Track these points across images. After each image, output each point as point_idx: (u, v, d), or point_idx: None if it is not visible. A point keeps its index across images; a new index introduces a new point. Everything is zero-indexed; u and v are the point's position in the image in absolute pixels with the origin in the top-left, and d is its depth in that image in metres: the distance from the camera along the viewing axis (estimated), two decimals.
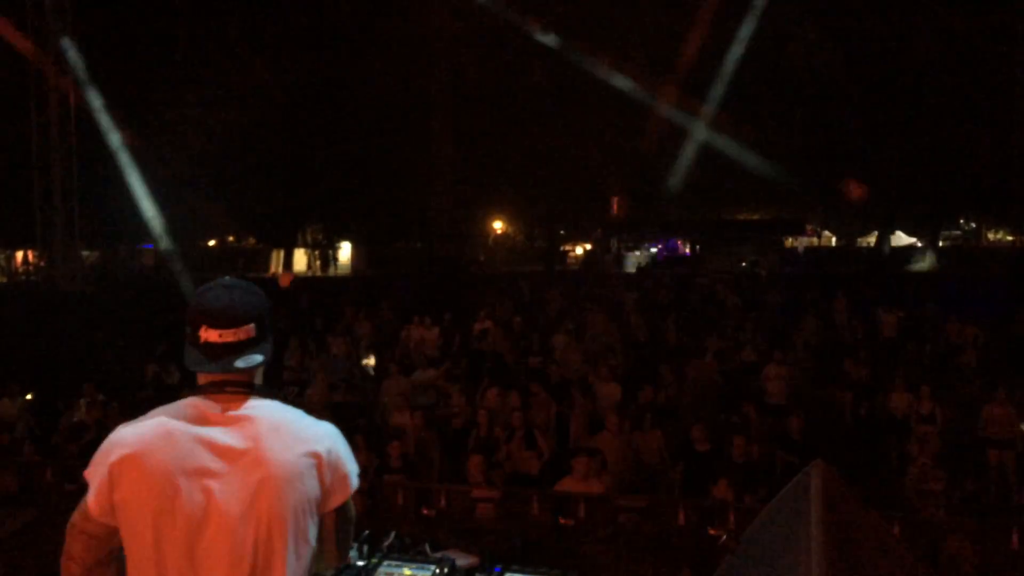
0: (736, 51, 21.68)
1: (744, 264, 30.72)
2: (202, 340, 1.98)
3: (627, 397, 10.26)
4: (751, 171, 24.23)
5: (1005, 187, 24.80)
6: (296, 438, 1.97)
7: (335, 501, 2.03)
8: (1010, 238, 39.32)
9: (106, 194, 20.12)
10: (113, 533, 1.93)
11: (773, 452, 9.05)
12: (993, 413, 9.63)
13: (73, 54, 17.59)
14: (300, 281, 30.03)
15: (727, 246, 34.11)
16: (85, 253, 24.74)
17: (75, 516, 1.97)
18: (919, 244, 37.22)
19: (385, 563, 3.25)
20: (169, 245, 21.08)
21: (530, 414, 9.13)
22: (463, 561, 3.26)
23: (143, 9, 20.85)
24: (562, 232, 37.71)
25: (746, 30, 21.08)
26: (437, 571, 3.17)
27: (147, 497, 1.87)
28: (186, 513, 1.87)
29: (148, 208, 20.27)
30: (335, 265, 37.06)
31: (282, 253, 34.66)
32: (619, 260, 37.46)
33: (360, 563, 3.25)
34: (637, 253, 38.82)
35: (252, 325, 2.01)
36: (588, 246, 41.24)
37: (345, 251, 37.65)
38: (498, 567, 3.24)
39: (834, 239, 44.26)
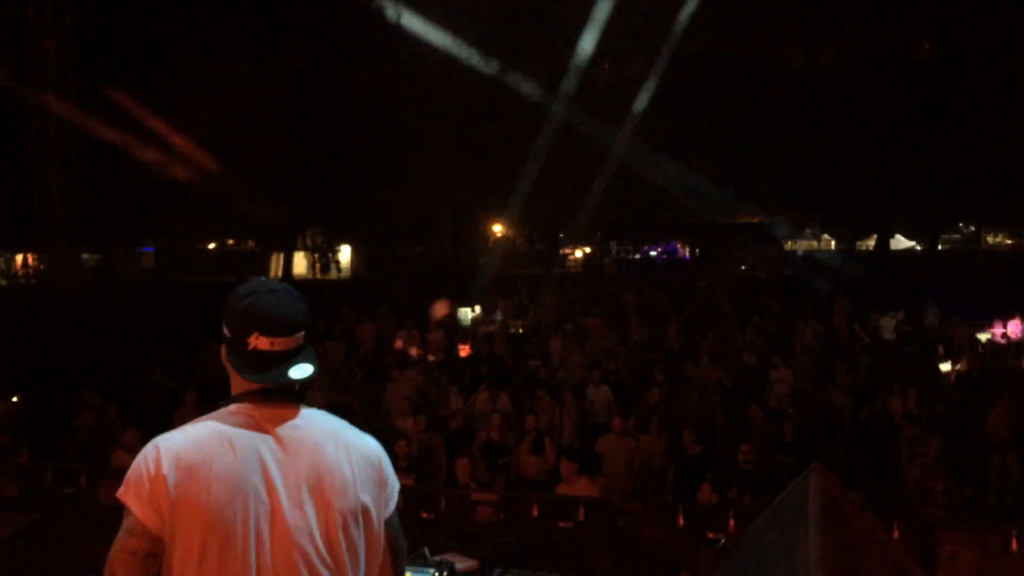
0: (730, 52, 21.72)
1: (744, 267, 30.76)
2: (251, 347, 1.93)
3: (624, 400, 10.29)
4: (750, 176, 24.29)
5: (1004, 190, 24.82)
6: (352, 448, 1.97)
7: (389, 509, 2.03)
8: (1009, 241, 39.34)
9: (106, 196, 20.13)
10: (162, 546, 1.82)
11: (775, 456, 9.07)
12: (997, 416, 9.64)
13: (73, 56, 17.60)
14: (299, 283, 30.02)
15: (727, 249, 34.15)
16: (84, 256, 24.74)
17: (130, 541, 1.81)
18: (918, 247, 37.27)
19: None
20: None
21: (533, 418, 9.15)
22: (462, 564, 3.26)
23: (143, 11, 20.86)
24: (562, 235, 37.74)
25: (744, 30, 21.10)
26: (436, 574, 3.17)
27: (211, 507, 1.80)
28: (251, 522, 1.82)
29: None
30: (338, 268, 37.06)
31: (282, 256, 34.65)
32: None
33: None
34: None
35: (303, 333, 1.99)
36: (588, 249, 41.25)
37: (345, 254, 37.65)
38: (497, 570, 3.24)
39: (833, 242, 44.32)
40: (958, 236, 41.18)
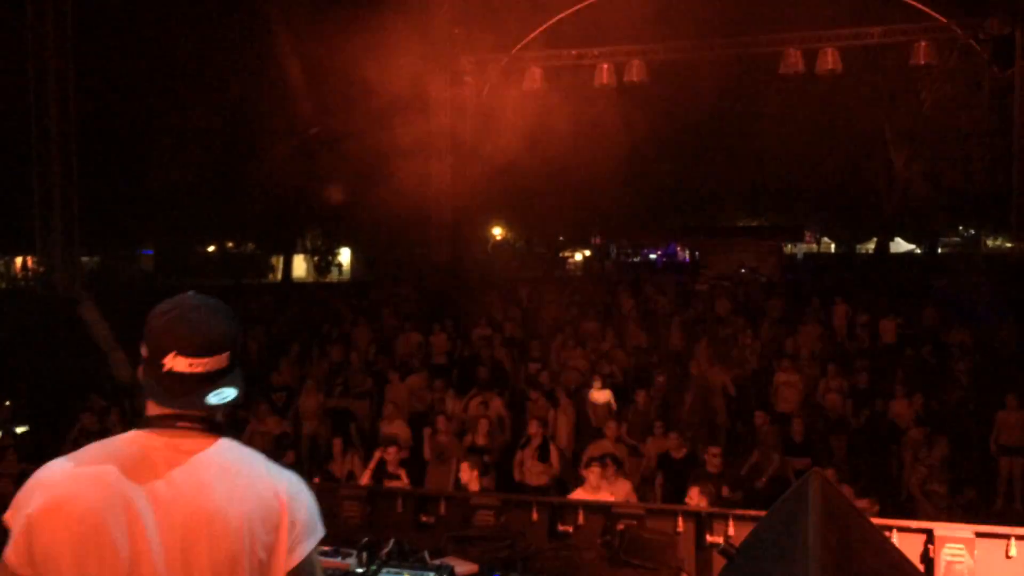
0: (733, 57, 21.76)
1: (743, 270, 30.74)
2: (166, 368, 1.72)
3: (622, 404, 10.30)
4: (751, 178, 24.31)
5: (1004, 193, 24.85)
6: (249, 487, 1.73)
7: (294, 558, 1.76)
8: (1009, 245, 39.36)
9: (106, 199, 20.16)
10: None
11: (784, 459, 9.09)
12: (1007, 420, 9.63)
13: (73, 60, 17.61)
14: (299, 286, 30.02)
15: (726, 252, 34.16)
16: (84, 259, 24.75)
17: None
18: (918, 250, 37.32)
19: (384, 570, 3.25)
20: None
21: (537, 424, 9.15)
22: (462, 568, 3.26)
23: (143, 15, 20.89)
24: (561, 238, 37.80)
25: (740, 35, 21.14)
26: None
27: (70, 549, 1.63)
28: (114, 567, 1.64)
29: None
30: (339, 271, 37.09)
31: (281, 259, 34.67)
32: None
33: (359, 570, 3.26)
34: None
35: (227, 354, 1.76)
36: (587, 252, 41.30)
37: (345, 256, 37.70)
38: (496, 574, 3.24)
39: (833, 245, 44.37)
40: (957, 239, 41.22)
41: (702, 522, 3.62)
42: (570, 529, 3.69)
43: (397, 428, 9.44)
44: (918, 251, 37.99)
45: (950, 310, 15.92)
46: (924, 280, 22.27)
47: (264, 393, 10.76)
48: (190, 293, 1.84)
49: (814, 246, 44.75)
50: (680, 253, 39.81)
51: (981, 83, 20.41)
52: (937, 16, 17.97)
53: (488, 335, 14.13)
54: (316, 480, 8.50)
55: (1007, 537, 3.58)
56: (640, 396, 10.25)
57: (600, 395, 10.45)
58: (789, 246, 40.51)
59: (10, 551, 1.67)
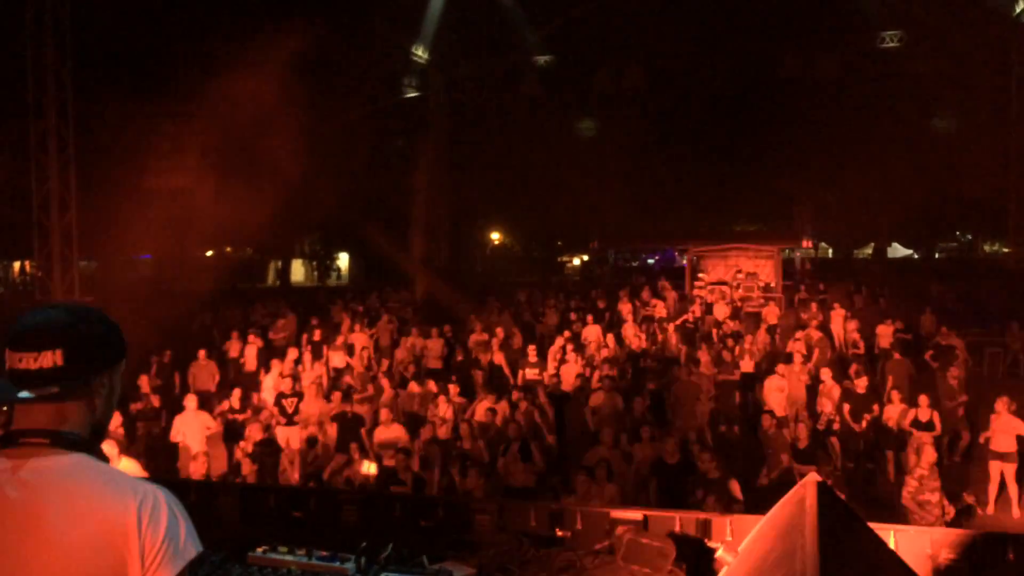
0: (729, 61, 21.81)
1: (741, 275, 30.71)
2: (7, 367, 1.61)
3: (620, 408, 10.30)
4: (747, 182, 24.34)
5: (1001, 199, 24.91)
6: (92, 508, 1.56)
7: None
8: (1006, 250, 39.42)
9: (103, 204, 20.14)
10: None
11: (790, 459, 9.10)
12: (996, 424, 9.63)
13: (71, 63, 17.62)
14: (297, 290, 29.99)
15: (724, 257, 34.13)
16: (82, 264, 24.72)
17: None
18: (916, 255, 37.37)
19: (383, 575, 3.25)
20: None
21: (525, 426, 9.16)
22: (460, 573, 3.26)
23: (141, 20, 20.90)
24: (559, 243, 37.82)
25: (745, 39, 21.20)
26: None
27: None
28: None
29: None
30: (338, 275, 37.10)
31: (279, 263, 34.69)
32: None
33: (358, 575, 3.26)
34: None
35: (60, 352, 1.59)
36: (585, 257, 41.30)
37: (343, 260, 37.70)
38: None
39: (831, 250, 44.38)
40: (954, 245, 41.29)
41: (700, 527, 3.62)
42: (568, 534, 3.69)
43: (395, 432, 9.44)
44: (916, 256, 38.05)
45: (948, 315, 15.93)
46: (922, 285, 22.30)
47: (276, 401, 10.77)
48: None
49: (812, 251, 44.74)
50: (678, 258, 39.80)
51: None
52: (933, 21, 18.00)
53: (486, 340, 14.14)
54: (312, 484, 8.50)
55: (1004, 541, 3.58)
56: (637, 401, 10.26)
57: (597, 399, 10.46)
58: (787, 251, 40.50)
59: None
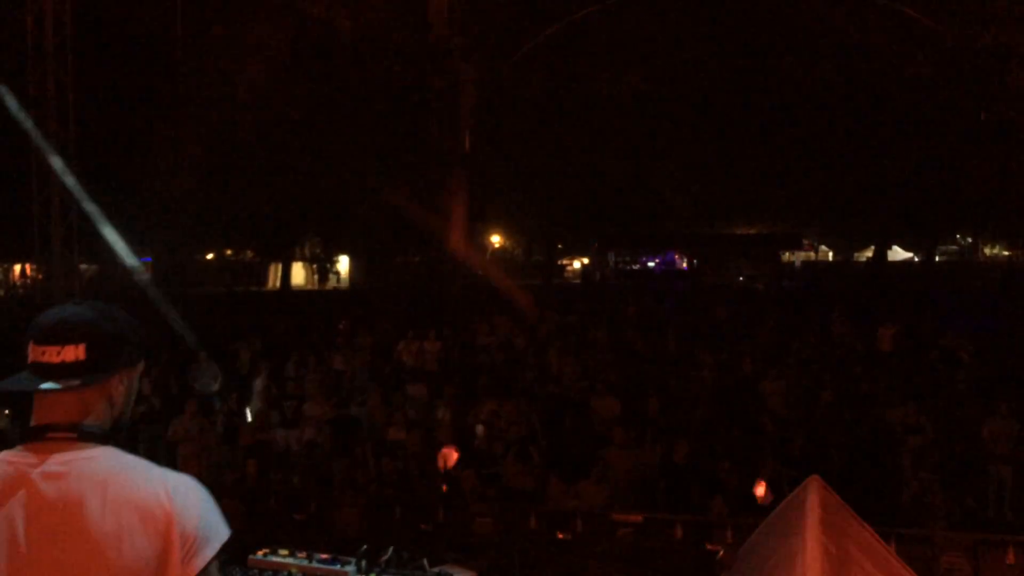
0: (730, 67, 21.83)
1: (741, 278, 30.81)
2: (29, 360, 1.65)
3: (625, 411, 10.28)
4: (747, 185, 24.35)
5: (1001, 202, 24.92)
6: (127, 498, 1.59)
7: (190, 570, 1.62)
8: (1006, 252, 39.42)
9: (105, 207, 20.13)
10: None
11: (772, 467, 9.06)
12: (995, 428, 9.62)
13: (72, 66, 17.63)
14: (298, 293, 29.98)
15: (724, 260, 34.22)
16: (83, 267, 24.74)
17: None
18: (916, 258, 37.36)
19: None
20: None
21: (523, 428, 9.16)
22: None
23: (142, 21, 20.93)
24: (560, 246, 37.83)
25: (742, 44, 21.22)
26: None
27: None
28: None
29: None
30: (337, 278, 37.12)
31: (280, 266, 34.69)
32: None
33: None
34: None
35: (83, 346, 1.63)
36: (586, 260, 41.32)
37: (343, 264, 37.73)
38: None
39: (831, 253, 44.42)
40: (955, 247, 41.28)
41: (701, 530, 3.62)
42: (570, 536, 3.69)
43: (401, 435, 9.42)
44: (916, 259, 38.04)
45: (949, 317, 15.94)
46: (923, 288, 22.30)
47: (275, 403, 10.76)
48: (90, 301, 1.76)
49: (812, 254, 44.76)
50: (678, 261, 39.80)
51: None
52: (933, 25, 18.05)
53: (488, 343, 14.15)
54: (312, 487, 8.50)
55: (1005, 544, 3.58)
56: (640, 403, 10.25)
57: (604, 402, 10.45)
58: (787, 254, 40.57)
59: None
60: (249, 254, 36.80)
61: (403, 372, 12.79)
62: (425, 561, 3.35)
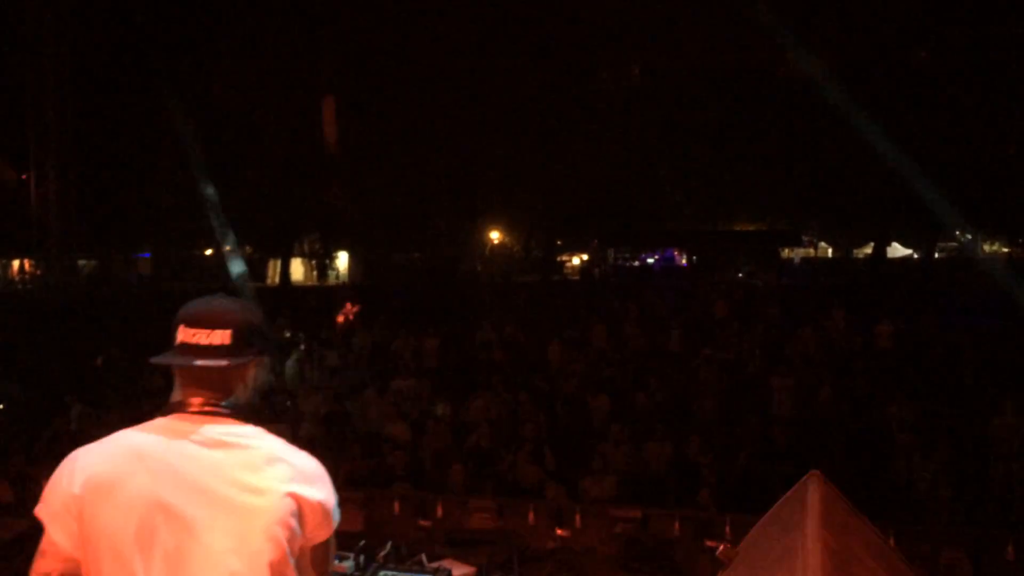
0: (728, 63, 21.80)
1: (741, 275, 30.77)
2: (177, 342, 1.85)
3: (622, 407, 10.28)
4: (746, 182, 24.32)
5: (1001, 198, 24.88)
6: (288, 472, 1.80)
7: (317, 538, 1.86)
8: (1007, 249, 39.38)
9: (103, 203, 20.12)
10: (78, 567, 1.75)
11: (773, 463, 9.06)
12: (1000, 425, 9.62)
13: (71, 63, 17.60)
14: (297, 289, 30.01)
15: (724, 257, 34.17)
16: (81, 262, 24.70)
17: (44, 564, 1.77)
18: (915, 255, 37.33)
19: (381, 573, 3.23)
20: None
21: (532, 427, 9.14)
22: (459, 571, 3.24)
23: (141, 18, 20.88)
24: (559, 242, 37.78)
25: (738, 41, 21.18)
26: None
27: (124, 529, 1.70)
28: (167, 546, 1.71)
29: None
30: (336, 275, 37.08)
31: (279, 263, 34.64)
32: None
33: (356, 574, 3.24)
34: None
35: (229, 332, 1.84)
36: (585, 256, 41.27)
37: (342, 260, 37.67)
38: None
39: (830, 250, 44.38)
40: (955, 244, 41.21)
41: (700, 525, 3.61)
42: (568, 533, 3.68)
43: (398, 430, 9.42)
44: (915, 256, 38.00)
45: (949, 314, 15.91)
46: (922, 284, 22.29)
47: (265, 396, 10.73)
48: (219, 293, 1.98)
49: (811, 250, 44.72)
50: (678, 257, 39.76)
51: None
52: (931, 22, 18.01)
53: (488, 339, 14.13)
54: None
55: (1006, 541, 3.57)
56: (639, 399, 10.24)
57: (599, 399, 10.44)
58: (786, 250, 40.53)
59: (59, 535, 1.74)
60: (248, 250, 36.73)
61: (400, 368, 12.78)
62: (423, 556, 3.33)
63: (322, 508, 1.83)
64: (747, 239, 36.64)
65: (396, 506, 3.82)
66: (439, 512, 3.80)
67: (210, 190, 21.51)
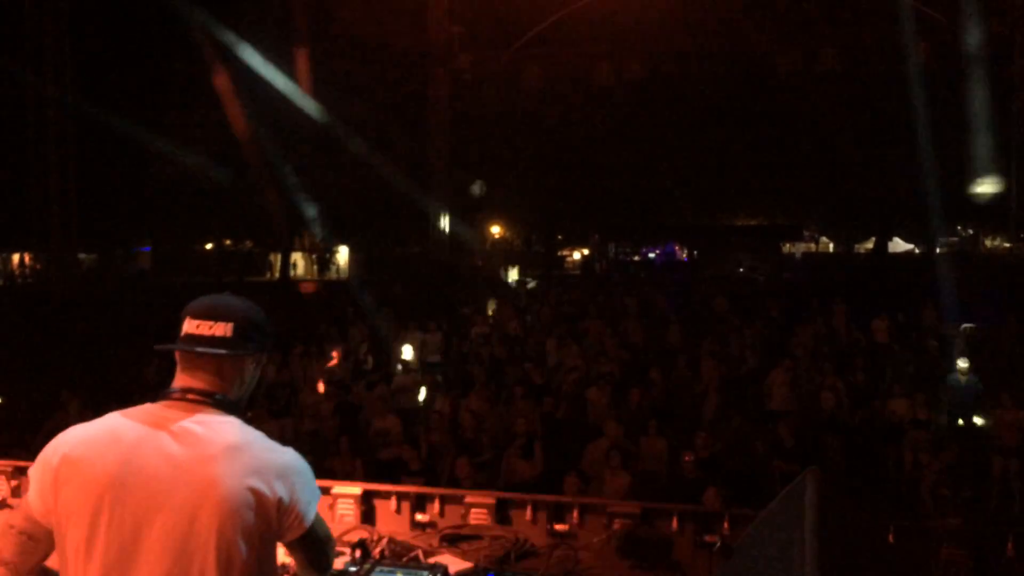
0: (728, 58, 21.75)
1: (742, 270, 30.77)
2: (182, 332, 1.97)
3: (619, 401, 10.27)
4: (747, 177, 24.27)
5: (1002, 193, 24.81)
6: (246, 466, 1.85)
7: (293, 533, 1.94)
8: (1007, 245, 39.35)
9: (103, 197, 20.11)
10: (50, 537, 1.88)
11: (772, 459, 9.04)
12: (1000, 419, 9.61)
13: (71, 57, 17.57)
14: (297, 283, 30.00)
15: (725, 252, 34.17)
16: (81, 256, 24.69)
17: (11, 516, 1.92)
18: (917, 250, 37.30)
19: (377, 569, 3.22)
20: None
21: (524, 422, 9.14)
22: (456, 567, 3.23)
23: (141, 12, 20.83)
24: (560, 237, 37.78)
25: (740, 35, 21.13)
26: None
27: (87, 502, 1.81)
28: (126, 523, 1.80)
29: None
30: (336, 269, 37.09)
31: (279, 257, 34.62)
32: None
33: (352, 569, 3.23)
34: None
35: (231, 325, 1.97)
36: (586, 251, 41.27)
37: (342, 254, 37.66)
38: (491, 574, 3.21)
39: (832, 245, 44.37)
40: (956, 239, 41.15)
41: (699, 521, 3.59)
42: (566, 528, 3.66)
43: (390, 423, 9.43)
44: (917, 251, 37.97)
45: (950, 309, 15.89)
46: (922, 279, 22.22)
47: (266, 391, 10.75)
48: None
49: (812, 245, 44.73)
50: (678, 252, 39.76)
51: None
52: (938, 16, 17.96)
53: (487, 333, 14.13)
54: None
55: (1007, 536, 3.55)
56: (635, 395, 10.23)
57: (598, 394, 10.43)
58: (787, 245, 40.50)
59: (35, 500, 1.87)
60: (248, 244, 36.75)
61: (401, 363, 12.77)
62: (420, 552, 3.33)
63: (282, 503, 1.87)
64: (748, 234, 36.66)
65: (393, 501, 3.80)
66: (436, 507, 3.77)
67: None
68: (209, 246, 35.39)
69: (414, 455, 8.09)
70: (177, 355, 1.99)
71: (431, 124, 22.24)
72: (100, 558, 1.80)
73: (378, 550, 3.35)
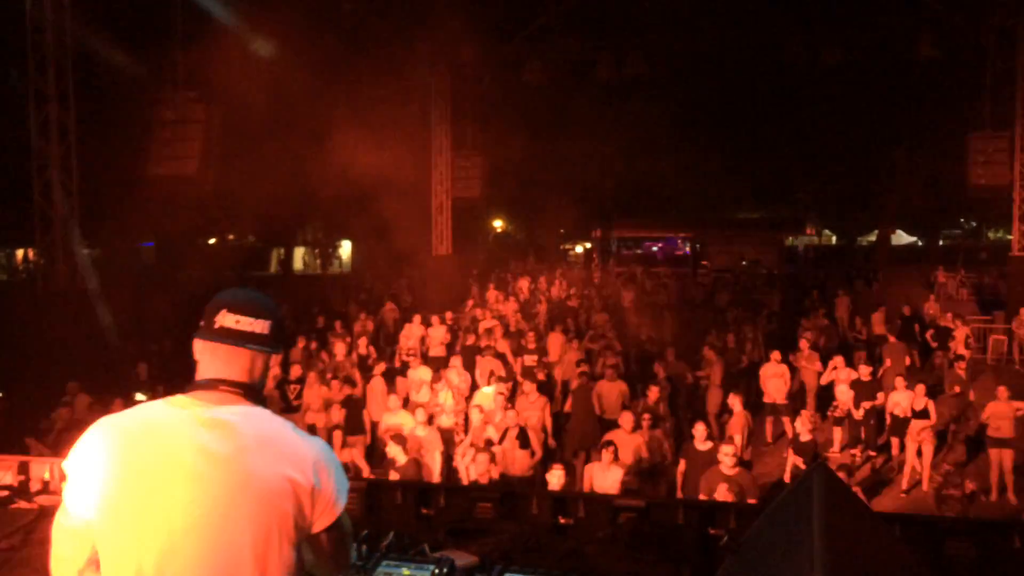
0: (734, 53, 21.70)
1: (745, 263, 30.72)
2: (217, 325, 1.98)
3: (633, 395, 10.30)
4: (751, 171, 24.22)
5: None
6: (282, 455, 1.89)
7: (323, 523, 1.95)
8: (1010, 237, 39.28)
9: (106, 192, 20.10)
10: (91, 530, 1.88)
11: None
12: (995, 411, 9.61)
13: (72, 50, 17.52)
14: (300, 278, 30.02)
15: (727, 245, 34.12)
16: (85, 251, 24.68)
17: (57, 514, 1.92)
18: (919, 243, 37.24)
19: (384, 563, 3.22)
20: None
21: (523, 414, 9.15)
22: (462, 561, 3.24)
23: (141, 5, 20.78)
24: (562, 231, 37.75)
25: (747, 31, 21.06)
26: (436, 571, 3.14)
27: (127, 492, 1.82)
28: (166, 512, 1.82)
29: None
30: (339, 263, 37.09)
31: (282, 251, 34.63)
32: None
33: (358, 563, 3.23)
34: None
35: (269, 323, 2.02)
36: (588, 245, 41.22)
37: (345, 248, 37.68)
38: (497, 567, 3.22)
39: (834, 237, 44.32)
40: (959, 232, 41.08)
41: (705, 515, 3.59)
42: (571, 521, 3.66)
43: (402, 419, 9.43)
44: (920, 243, 37.92)
45: (951, 302, 15.90)
46: (926, 272, 22.21)
47: (278, 386, 10.78)
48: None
49: (815, 238, 44.67)
50: (681, 246, 39.72)
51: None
52: (941, 8, 17.88)
53: (491, 327, 14.12)
54: None
55: (1012, 529, 3.55)
56: (652, 390, 10.24)
57: (611, 386, 10.43)
58: (790, 238, 40.44)
59: (71, 494, 1.88)
60: (251, 239, 36.73)
61: (407, 356, 12.78)
62: (426, 546, 3.33)
63: (315, 490, 1.90)
64: (751, 226, 36.59)
65: (398, 495, 3.81)
66: (441, 501, 3.78)
67: None
68: (212, 240, 35.40)
69: (414, 449, 8.09)
70: (205, 345, 1.99)
71: (432, 116, 22.21)
72: (138, 549, 1.81)
73: (384, 543, 3.35)
